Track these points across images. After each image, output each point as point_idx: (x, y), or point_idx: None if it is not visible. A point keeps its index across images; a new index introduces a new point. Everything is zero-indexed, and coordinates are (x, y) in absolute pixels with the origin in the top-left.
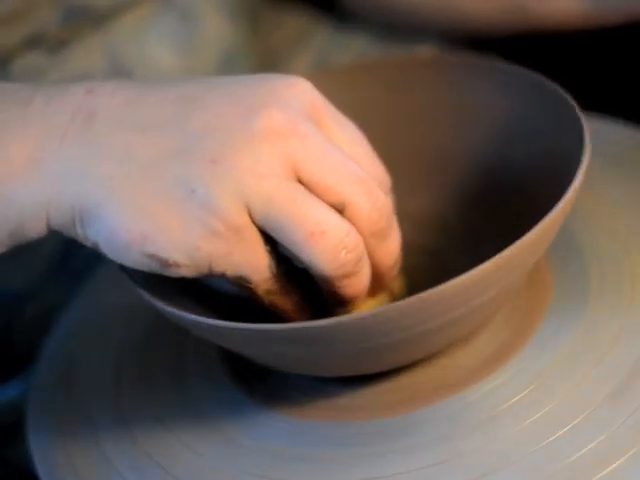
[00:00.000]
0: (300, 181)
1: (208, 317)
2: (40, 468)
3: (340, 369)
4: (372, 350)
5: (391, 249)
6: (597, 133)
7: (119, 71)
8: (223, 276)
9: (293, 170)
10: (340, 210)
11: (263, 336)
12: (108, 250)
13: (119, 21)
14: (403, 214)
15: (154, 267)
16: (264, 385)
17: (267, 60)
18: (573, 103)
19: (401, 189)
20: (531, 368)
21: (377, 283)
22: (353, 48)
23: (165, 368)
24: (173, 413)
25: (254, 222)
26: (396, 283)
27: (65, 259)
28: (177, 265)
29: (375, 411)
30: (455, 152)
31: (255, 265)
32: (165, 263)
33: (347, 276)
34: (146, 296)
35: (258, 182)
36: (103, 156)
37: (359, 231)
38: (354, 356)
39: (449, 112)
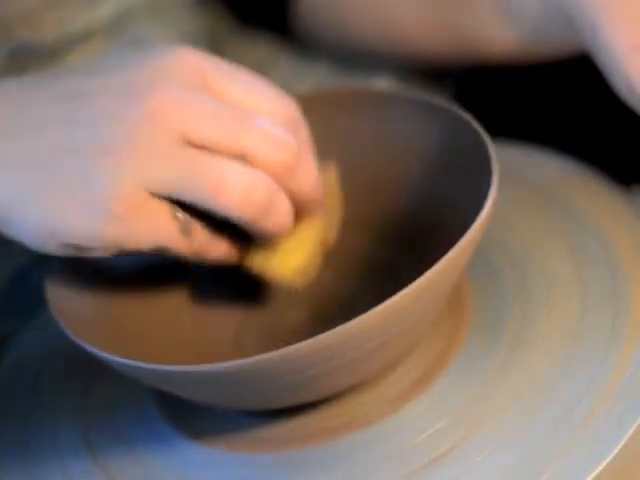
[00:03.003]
0: (196, 147)
1: None
2: None
3: (251, 404)
4: (289, 385)
5: (306, 179)
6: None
7: None
8: (139, 250)
9: (185, 141)
10: (243, 161)
11: (180, 377)
12: (30, 245)
13: (69, 56)
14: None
15: (72, 253)
16: (189, 416)
17: None
18: (489, 147)
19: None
20: (445, 400)
21: (302, 212)
22: (312, 78)
23: (99, 399)
24: (103, 442)
25: (157, 195)
26: (328, 218)
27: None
28: (91, 249)
29: (293, 443)
30: (377, 186)
31: (165, 234)
32: (79, 249)
33: (264, 216)
34: (83, 344)
35: (152, 163)
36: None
37: (267, 173)
38: (266, 392)
39: (373, 146)
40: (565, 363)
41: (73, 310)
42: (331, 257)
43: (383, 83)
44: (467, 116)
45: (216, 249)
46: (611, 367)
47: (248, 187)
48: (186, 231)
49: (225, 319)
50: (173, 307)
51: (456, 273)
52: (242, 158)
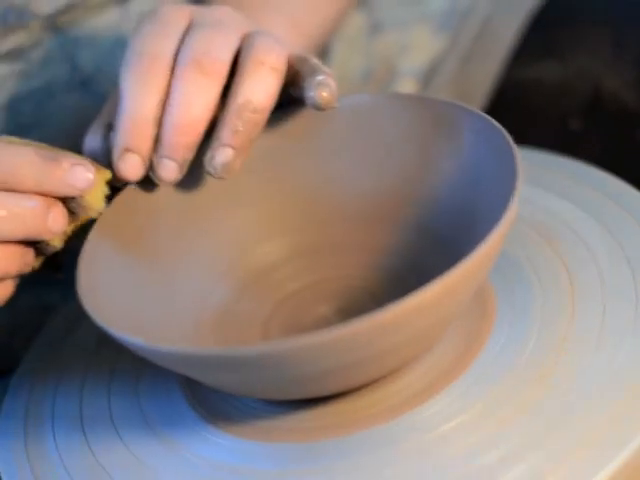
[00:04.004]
0: None
1: None
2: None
3: (274, 393)
4: (312, 375)
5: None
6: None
7: (83, 79)
8: None
9: None
10: None
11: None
12: None
13: (74, 29)
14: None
15: None
16: (209, 403)
17: None
18: (515, 151)
19: (359, 222)
20: (469, 394)
21: None
22: None
23: (124, 382)
24: (129, 425)
25: None
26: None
27: None
28: None
29: (312, 433)
30: (410, 185)
31: None
32: None
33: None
34: (100, 322)
35: None
36: None
37: None
38: (291, 381)
39: (403, 146)
40: (587, 362)
41: (101, 294)
42: (360, 253)
43: (407, 88)
44: (494, 121)
45: None
46: (633, 364)
47: None
48: None
49: (253, 312)
50: (202, 298)
51: (481, 272)
52: None
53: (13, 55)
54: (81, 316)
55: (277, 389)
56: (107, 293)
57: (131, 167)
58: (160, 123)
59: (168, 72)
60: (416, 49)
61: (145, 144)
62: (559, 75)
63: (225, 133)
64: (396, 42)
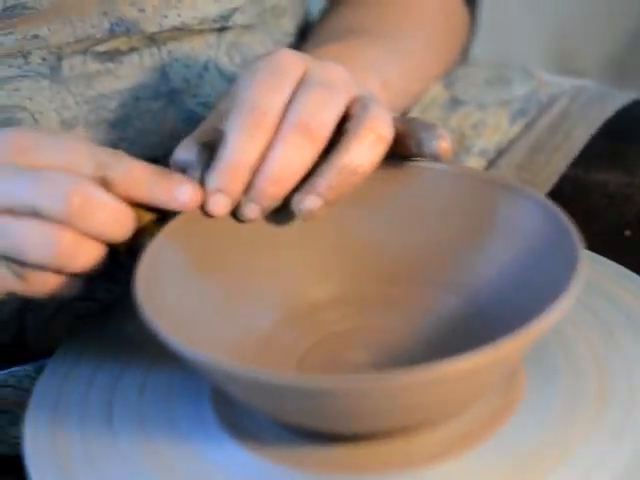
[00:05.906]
0: None
1: None
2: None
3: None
4: (335, 413)
5: (101, 219)
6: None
7: (170, 90)
8: None
9: None
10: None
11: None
12: None
13: (164, 46)
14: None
15: None
16: (240, 420)
17: None
18: (579, 244)
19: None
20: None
21: None
22: None
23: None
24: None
25: None
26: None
27: None
28: None
29: (335, 469)
30: (459, 251)
31: (4, 284)
32: None
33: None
34: (158, 330)
35: None
36: None
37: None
38: (314, 414)
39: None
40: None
41: (156, 294)
42: (406, 311)
43: (475, 167)
44: (560, 212)
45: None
46: None
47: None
48: (20, 276)
49: (292, 346)
50: (247, 323)
51: (516, 354)
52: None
53: (108, 55)
54: (126, 310)
55: (304, 418)
56: (162, 295)
57: (220, 207)
58: (255, 171)
59: (274, 127)
60: (491, 130)
61: (238, 189)
62: (620, 184)
63: (320, 184)
64: (472, 119)
